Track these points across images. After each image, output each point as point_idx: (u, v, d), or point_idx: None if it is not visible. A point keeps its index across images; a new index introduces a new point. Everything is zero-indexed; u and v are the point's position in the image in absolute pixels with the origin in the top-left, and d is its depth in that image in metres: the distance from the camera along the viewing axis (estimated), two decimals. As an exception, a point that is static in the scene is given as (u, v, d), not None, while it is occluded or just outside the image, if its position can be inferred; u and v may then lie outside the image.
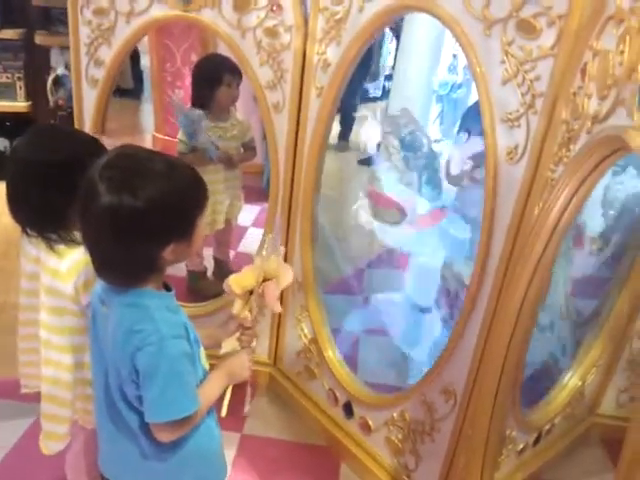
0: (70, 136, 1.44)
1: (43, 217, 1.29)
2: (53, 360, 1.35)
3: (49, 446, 1.43)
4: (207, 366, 1.22)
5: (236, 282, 1.25)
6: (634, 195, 2.21)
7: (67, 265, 1.28)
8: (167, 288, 1.16)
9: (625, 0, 1.02)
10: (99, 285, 1.15)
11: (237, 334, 1.29)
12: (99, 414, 1.20)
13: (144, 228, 1.01)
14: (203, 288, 2.75)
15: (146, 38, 4.01)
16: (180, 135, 2.54)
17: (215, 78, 2.48)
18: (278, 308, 1.28)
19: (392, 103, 3.92)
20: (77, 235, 1.28)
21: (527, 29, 1.23)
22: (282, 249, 1.32)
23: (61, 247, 1.29)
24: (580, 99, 1.16)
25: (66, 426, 1.41)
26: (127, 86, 5.93)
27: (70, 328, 1.33)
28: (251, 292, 1.27)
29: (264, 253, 1.27)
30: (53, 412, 1.40)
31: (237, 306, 1.27)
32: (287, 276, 1.29)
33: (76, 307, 1.31)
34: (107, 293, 1.11)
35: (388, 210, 3.98)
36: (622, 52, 1.02)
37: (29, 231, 1.33)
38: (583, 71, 1.16)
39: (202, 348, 1.20)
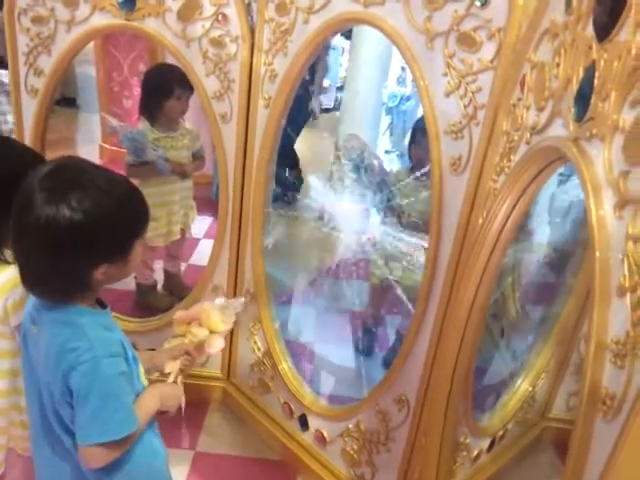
0: (6, 148, 1.38)
1: None
2: None
3: None
4: (146, 383, 1.18)
5: (209, 321, 1.30)
6: (578, 203, 2.27)
7: None
8: (102, 305, 1.12)
9: (559, 15, 1.05)
10: (30, 303, 1.10)
11: (181, 358, 1.28)
12: (35, 439, 1.15)
13: (78, 244, 0.97)
14: (153, 302, 2.69)
15: (91, 47, 3.92)
16: (129, 148, 2.49)
17: (165, 90, 2.44)
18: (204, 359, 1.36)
19: (343, 115, 3.95)
20: (7, 254, 1.23)
21: (468, 42, 1.26)
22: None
23: None
24: (519, 110, 1.18)
25: (1, 454, 1.34)
26: (72, 95, 5.79)
27: (0, 351, 1.27)
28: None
29: (233, 313, 1.35)
30: None
31: (200, 334, 1.30)
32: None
33: (6, 329, 1.25)
34: (38, 310, 1.07)
35: (346, 220, 4.00)
36: (558, 65, 1.05)
37: None
38: (522, 83, 1.18)
39: (141, 366, 1.16)
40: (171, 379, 1.25)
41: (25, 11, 1.78)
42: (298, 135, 3.76)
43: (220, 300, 1.36)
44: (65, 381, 0.99)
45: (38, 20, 1.79)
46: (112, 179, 1.02)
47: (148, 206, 1.08)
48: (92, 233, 0.97)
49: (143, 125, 2.49)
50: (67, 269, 0.99)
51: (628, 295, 0.79)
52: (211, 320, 1.29)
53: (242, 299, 1.42)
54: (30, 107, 1.91)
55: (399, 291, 2.49)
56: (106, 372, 1.00)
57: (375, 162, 2.21)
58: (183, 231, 2.74)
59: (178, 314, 1.33)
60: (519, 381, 2.04)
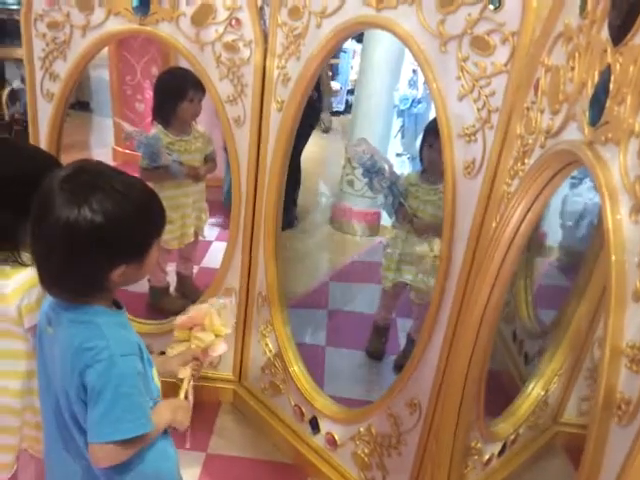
0: (24, 151, 1.39)
1: None
2: None
3: None
4: (159, 385, 1.19)
5: (213, 325, 1.31)
6: (591, 206, 2.26)
7: (12, 286, 1.23)
8: (117, 306, 1.13)
9: (573, 18, 1.05)
10: (46, 304, 1.11)
11: (192, 364, 1.30)
12: (48, 439, 1.16)
13: (98, 245, 0.98)
14: (166, 305, 2.70)
15: (105, 51, 3.96)
16: (143, 151, 2.51)
17: (178, 93, 2.46)
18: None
19: (355, 118, 3.95)
20: (25, 256, 1.24)
21: (481, 46, 1.26)
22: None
23: (7, 268, 1.24)
24: (533, 114, 1.18)
25: (13, 454, 1.35)
26: (85, 99, 5.85)
27: (15, 352, 1.28)
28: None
29: (231, 316, 1.36)
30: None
31: (207, 339, 1.31)
32: None
33: (20, 330, 1.26)
34: (55, 310, 1.08)
35: (357, 223, 4.02)
36: (572, 68, 1.05)
37: None
38: (536, 86, 1.18)
39: (154, 368, 1.18)
40: (185, 384, 1.26)
41: (41, 17, 1.80)
42: (304, 146, 3.75)
43: (215, 301, 1.36)
44: (81, 379, 1.00)
45: (54, 25, 1.81)
46: (130, 182, 1.04)
47: (164, 209, 1.10)
48: (112, 235, 0.98)
49: (157, 129, 2.51)
50: (86, 270, 1.01)
51: (644, 300, 0.79)
52: (214, 324, 1.30)
53: (233, 299, 1.42)
54: (46, 111, 1.94)
55: (411, 295, 2.50)
56: (122, 371, 1.01)
57: (385, 166, 2.21)
58: (196, 233, 2.76)
59: (179, 319, 1.33)
60: (531, 385, 2.02)
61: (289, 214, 3.67)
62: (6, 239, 1.23)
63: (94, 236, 0.97)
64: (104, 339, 1.01)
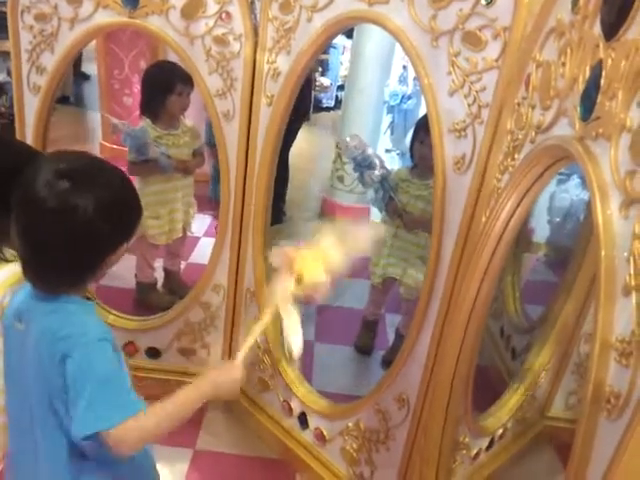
0: (6, 145, 1.37)
1: None
2: None
3: None
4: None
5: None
6: (578, 202, 2.28)
7: None
8: (87, 299, 1.12)
9: (565, 14, 1.05)
10: (17, 300, 1.09)
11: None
12: (17, 440, 1.13)
13: (106, 226, 0.98)
14: (153, 300, 2.68)
15: (93, 44, 3.93)
16: (130, 146, 2.49)
17: (166, 86, 2.44)
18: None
19: (344, 114, 3.95)
20: (7, 252, 1.22)
21: (473, 41, 1.26)
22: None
23: None
24: (524, 109, 1.19)
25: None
26: (67, 93, 5.80)
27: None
28: None
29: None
30: None
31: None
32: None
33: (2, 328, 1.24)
34: (29, 304, 1.05)
35: (346, 219, 4.02)
36: (564, 64, 1.05)
37: None
38: (527, 82, 1.19)
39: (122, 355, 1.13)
40: (256, 332, 1.15)
41: (28, 8, 1.77)
42: (292, 142, 3.73)
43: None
44: (60, 369, 0.97)
45: (41, 17, 1.78)
46: (109, 167, 1.05)
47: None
48: (117, 214, 1.00)
49: (144, 123, 2.49)
50: (88, 255, 1.01)
51: (634, 294, 0.79)
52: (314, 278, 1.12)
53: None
54: (32, 105, 1.91)
55: (400, 290, 2.50)
56: (102, 354, 0.99)
57: (376, 161, 2.22)
58: (184, 229, 2.74)
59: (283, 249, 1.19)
60: (519, 380, 2.04)
61: (277, 210, 3.66)
62: None
63: (103, 217, 0.97)
64: (79, 325, 1.00)
